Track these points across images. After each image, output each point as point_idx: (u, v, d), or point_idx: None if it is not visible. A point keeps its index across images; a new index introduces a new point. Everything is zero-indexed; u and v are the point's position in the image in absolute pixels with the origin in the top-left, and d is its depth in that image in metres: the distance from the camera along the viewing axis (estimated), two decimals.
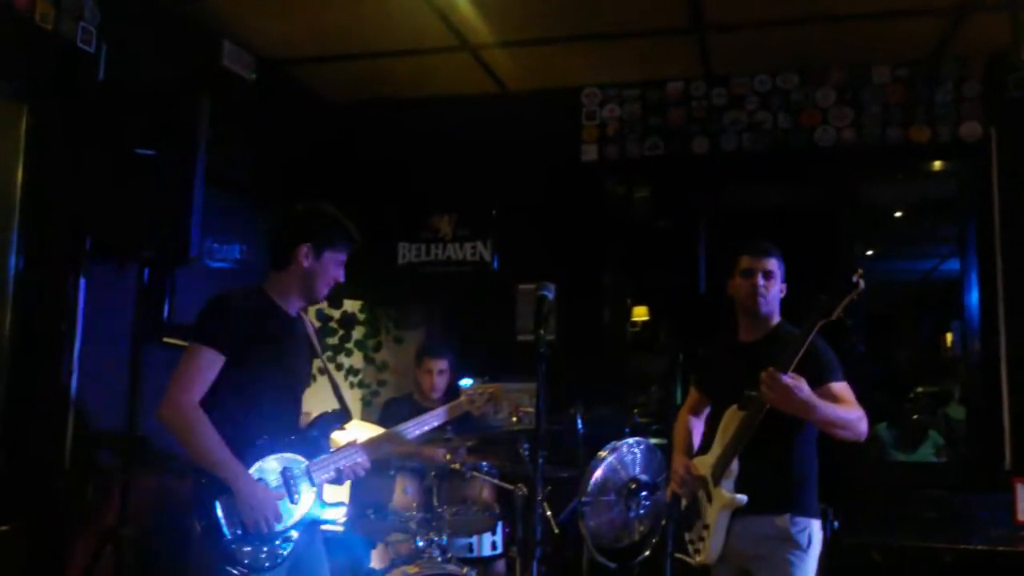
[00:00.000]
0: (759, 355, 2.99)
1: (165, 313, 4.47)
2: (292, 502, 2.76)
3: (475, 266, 5.87)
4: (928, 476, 5.54)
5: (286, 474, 2.78)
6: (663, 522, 3.98)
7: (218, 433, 2.65)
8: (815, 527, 2.97)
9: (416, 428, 3.20)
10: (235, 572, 2.61)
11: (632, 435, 4.09)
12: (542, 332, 2.74)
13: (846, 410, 2.87)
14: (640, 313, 7.22)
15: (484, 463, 4.19)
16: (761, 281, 3.07)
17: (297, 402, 3.01)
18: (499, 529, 4.32)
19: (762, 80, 5.57)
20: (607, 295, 5.81)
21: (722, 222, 5.88)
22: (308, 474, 2.82)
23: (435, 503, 3.97)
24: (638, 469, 3.90)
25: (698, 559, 3.10)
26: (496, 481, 4.18)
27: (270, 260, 2.97)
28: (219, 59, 5.04)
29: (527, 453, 4.12)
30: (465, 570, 3.76)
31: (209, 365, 2.70)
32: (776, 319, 3.13)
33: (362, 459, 2.95)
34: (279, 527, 2.69)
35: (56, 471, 3.87)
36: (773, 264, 3.10)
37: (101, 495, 3.97)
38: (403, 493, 3.97)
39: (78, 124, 3.91)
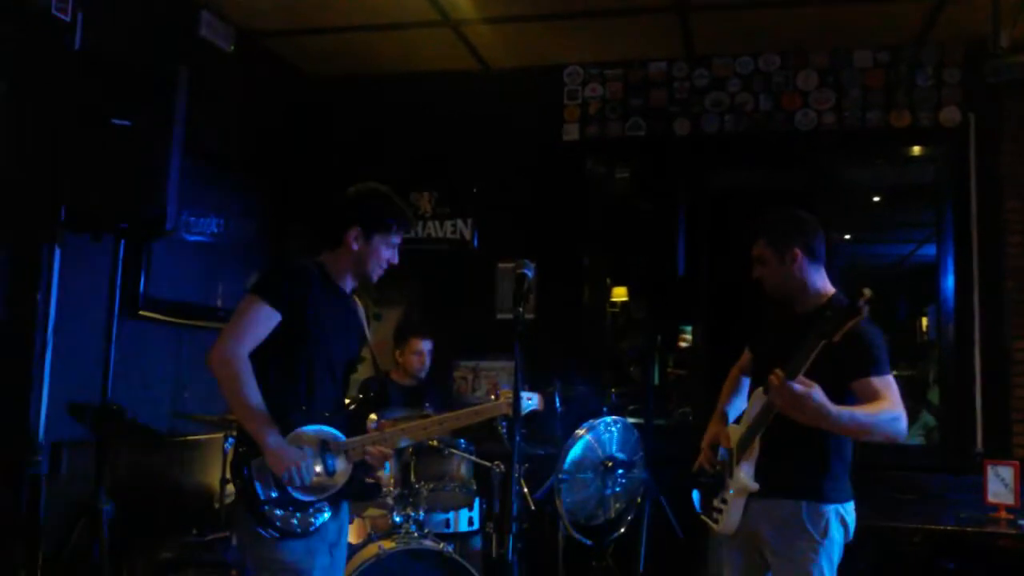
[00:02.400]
0: (804, 330, 2.80)
1: (141, 286, 4.44)
2: (328, 474, 2.76)
3: (455, 244, 5.86)
4: (902, 458, 5.59)
5: (323, 447, 2.78)
6: (638, 500, 4.02)
7: (262, 395, 2.67)
8: (835, 514, 2.84)
9: (455, 421, 3.23)
10: (266, 534, 2.66)
11: (609, 414, 4.12)
12: (521, 310, 2.74)
13: (872, 412, 2.68)
14: (619, 294, 7.25)
15: (461, 440, 4.20)
16: (756, 270, 3.00)
17: (345, 380, 3.02)
18: (476, 505, 4.34)
19: (744, 62, 5.57)
20: (586, 275, 5.82)
21: (702, 204, 5.88)
22: (344, 452, 2.82)
23: (412, 479, 3.98)
24: (615, 447, 3.94)
25: (716, 528, 3.04)
26: (473, 458, 4.19)
27: (321, 240, 2.95)
28: (197, 30, 4.97)
29: (504, 430, 4.14)
30: (442, 545, 3.78)
31: (263, 319, 2.70)
32: (818, 291, 2.96)
33: (388, 447, 2.94)
34: (312, 497, 2.71)
35: (31, 444, 3.83)
36: (760, 247, 2.99)
37: (76, 468, 3.94)
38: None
39: (53, 93, 3.84)
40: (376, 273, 2.93)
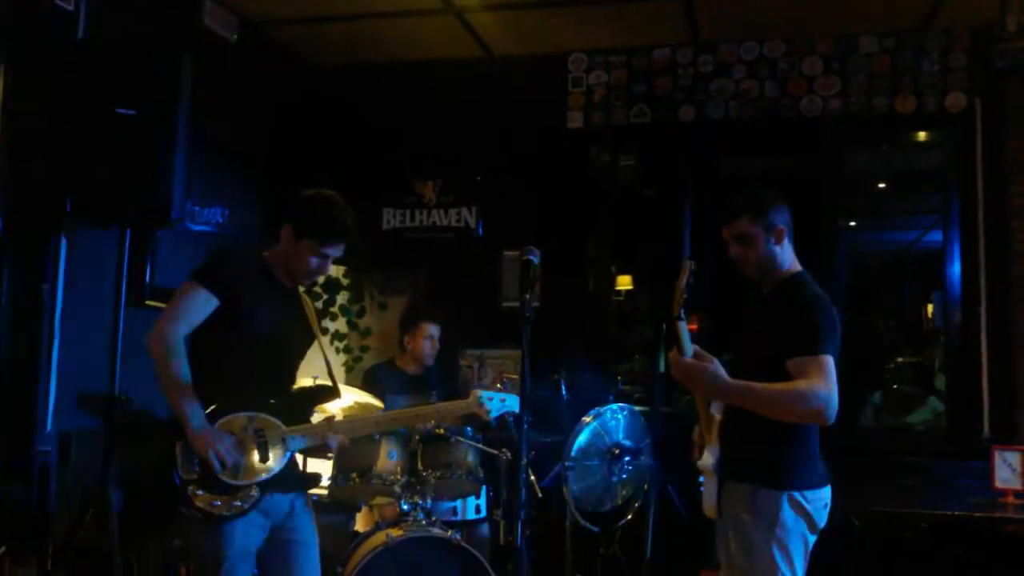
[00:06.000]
0: (765, 310, 2.87)
1: (147, 276, 4.44)
2: (260, 460, 2.77)
3: (460, 232, 5.86)
4: (909, 443, 5.60)
5: (258, 433, 2.79)
6: (645, 487, 4.02)
7: (200, 379, 2.71)
8: (788, 501, 2.72)
9: (422, 422, 3.22)
10: (187, 513, 2.68)
11: (615, 402, 4.12)
12: (528, 296, 2.72)
13: (777, 388, 2.61)
14: (624, 282, 7.25)
15: (468, 428, 4.20)
16: (735, 250, 2.89)
17: (286, 371, 3.02)
18: (483, 493, 4.35)
19: (749, 48, 5.55)
20: (591, 263, 5.81)
21: (707, 191, 5.87)
22: (282, 439, 2.82)
23: (419, 467, 3.98)
24: (621, 434, 3.94)
25: (705, 511, 3.02)
26: (480, 445, 4.19)
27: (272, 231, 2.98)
28: (200, 19, 4.96)
29: (511, 418, 4.14)
30: (450, 533, 3.78)
31: (200, 303, 2.76)
32: (786, 269, 2.88)
33: (335, 437, 2.93)
34: (240, 481, 2.72)
35: (39, 433, 3.84)
36: (744, 225, 2.84)
37: (84, 457, 3.95)
38: (387, 457, 3.97)
39: (57, 83, 3.83)
40: (302, 278, 2.96)
